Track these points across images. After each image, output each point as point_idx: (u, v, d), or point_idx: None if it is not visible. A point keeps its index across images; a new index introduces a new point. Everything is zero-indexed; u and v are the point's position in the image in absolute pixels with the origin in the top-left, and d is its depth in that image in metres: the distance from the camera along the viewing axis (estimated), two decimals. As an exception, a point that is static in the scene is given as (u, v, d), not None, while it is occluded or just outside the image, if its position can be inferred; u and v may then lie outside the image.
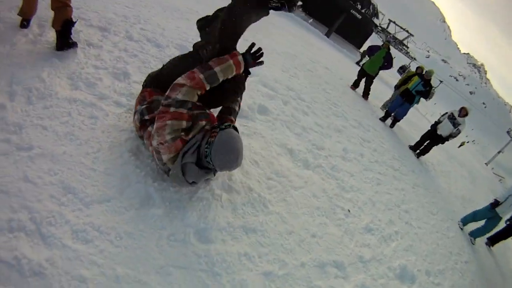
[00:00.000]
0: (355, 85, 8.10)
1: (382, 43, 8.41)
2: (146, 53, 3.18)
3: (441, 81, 24.69)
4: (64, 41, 2.57)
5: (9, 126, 1.82)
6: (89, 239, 1.49)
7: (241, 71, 1.98)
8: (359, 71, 8.16)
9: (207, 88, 1.84)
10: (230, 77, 1.92)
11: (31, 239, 1.40)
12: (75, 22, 2.62)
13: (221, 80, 1.88)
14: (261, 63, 2.06)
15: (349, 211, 2.85)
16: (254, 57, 2.01)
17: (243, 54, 1.96)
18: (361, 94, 7.98)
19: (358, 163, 3.79)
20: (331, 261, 2.26)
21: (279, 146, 3.00)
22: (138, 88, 2.50)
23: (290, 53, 6.87)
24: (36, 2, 2.66)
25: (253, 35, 6.38)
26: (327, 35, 25.36)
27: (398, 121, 7.39)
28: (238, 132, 1.86)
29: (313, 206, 2.60)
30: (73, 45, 2.63)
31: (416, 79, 7.26)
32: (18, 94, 2.03)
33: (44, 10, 2.87)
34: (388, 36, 30.07)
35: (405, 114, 7.41)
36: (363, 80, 8.01)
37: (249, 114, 3.16)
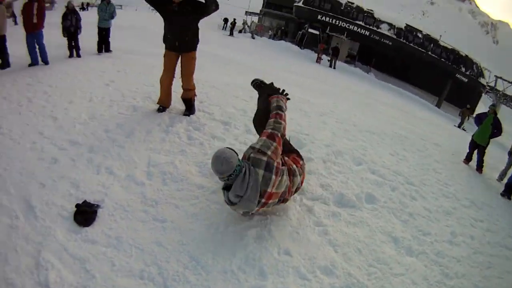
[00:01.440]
0: (468, 158, 7.66)
1: (488, 109, 8.03)
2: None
3: None
4: (189, 110, 3.89)
5: (147, 200, 2.61)
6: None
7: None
8: (470, 143, 7.78)
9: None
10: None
11: (157, 288, 1.94)
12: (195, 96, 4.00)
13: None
14: None
15: (448, 298, 2.69)
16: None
17: None
18: (475, 167, 7.44)
19: (467, 247, 3.57)
20: None
21: (383, 234, 3.16)
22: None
23: (399, 133, 7.17)
24: (170, 95, 3.82)
25: (354, 114, 6.95)
26: (438, 105, 24.60)
27: None
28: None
29: (411, 293, 2.60)
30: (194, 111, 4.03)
31: None
32: (155, 175, 2.87)
33: (175, 104, 3.95)
34: (498, 94, 27.25)
35: None
36: (476, 151, 7.56)
37: (356, 204, 3.45)
